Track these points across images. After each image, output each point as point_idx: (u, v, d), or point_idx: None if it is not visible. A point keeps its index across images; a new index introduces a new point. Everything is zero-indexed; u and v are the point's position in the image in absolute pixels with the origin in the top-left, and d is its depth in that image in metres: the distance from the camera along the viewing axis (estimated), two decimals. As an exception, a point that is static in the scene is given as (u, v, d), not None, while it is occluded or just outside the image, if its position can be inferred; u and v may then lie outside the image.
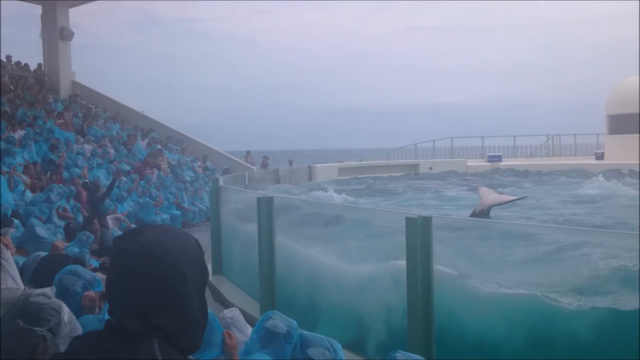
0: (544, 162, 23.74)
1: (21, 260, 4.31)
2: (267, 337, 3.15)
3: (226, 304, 7.12)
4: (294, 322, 3.29)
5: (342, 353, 3.20)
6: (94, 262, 7.98)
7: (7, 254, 1.86)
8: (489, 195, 10.61)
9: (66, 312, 1.91)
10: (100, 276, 5.10)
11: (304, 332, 3.27)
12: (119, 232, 11.26)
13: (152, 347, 1.28)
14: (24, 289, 1.93)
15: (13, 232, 7.42)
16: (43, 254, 4.03)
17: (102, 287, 3.56)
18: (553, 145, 26.78)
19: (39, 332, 1.80)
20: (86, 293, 3.29)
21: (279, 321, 3.25)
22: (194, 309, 1.35)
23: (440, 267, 5.15)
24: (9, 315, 1.79)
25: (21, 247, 6.37)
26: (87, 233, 8.16)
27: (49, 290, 1.98)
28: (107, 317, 1.36)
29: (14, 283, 1.77)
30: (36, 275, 3.63)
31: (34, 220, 7.46)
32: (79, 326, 1.98)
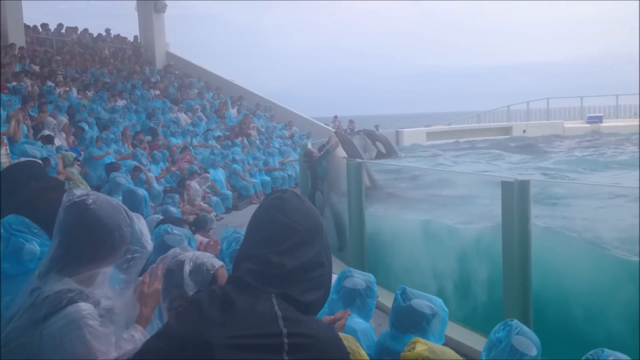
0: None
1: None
2: (348, 296, 3.04)
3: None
4: (372, 275, 3.18)
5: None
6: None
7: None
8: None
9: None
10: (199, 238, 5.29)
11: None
12: (210, 194, 11.58)
13: (270, 302, 1.34)
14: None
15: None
16: (157, 217, 4.04)
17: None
18: (661, 104, 24.65)
19: None
20: (201, 245, 3.37)
21: (357, 277, 3.13)
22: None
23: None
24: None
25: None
26: (173, 195, 8.18)
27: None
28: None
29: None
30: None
31: (116, 178, 6.73)
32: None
